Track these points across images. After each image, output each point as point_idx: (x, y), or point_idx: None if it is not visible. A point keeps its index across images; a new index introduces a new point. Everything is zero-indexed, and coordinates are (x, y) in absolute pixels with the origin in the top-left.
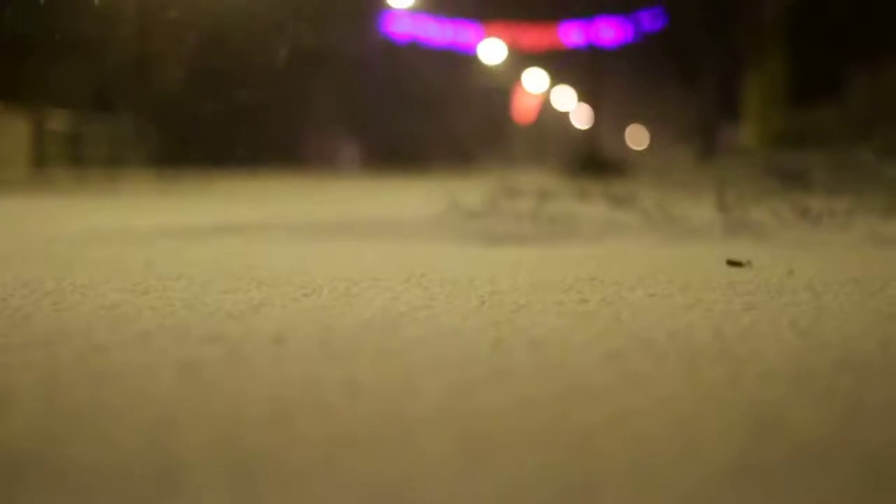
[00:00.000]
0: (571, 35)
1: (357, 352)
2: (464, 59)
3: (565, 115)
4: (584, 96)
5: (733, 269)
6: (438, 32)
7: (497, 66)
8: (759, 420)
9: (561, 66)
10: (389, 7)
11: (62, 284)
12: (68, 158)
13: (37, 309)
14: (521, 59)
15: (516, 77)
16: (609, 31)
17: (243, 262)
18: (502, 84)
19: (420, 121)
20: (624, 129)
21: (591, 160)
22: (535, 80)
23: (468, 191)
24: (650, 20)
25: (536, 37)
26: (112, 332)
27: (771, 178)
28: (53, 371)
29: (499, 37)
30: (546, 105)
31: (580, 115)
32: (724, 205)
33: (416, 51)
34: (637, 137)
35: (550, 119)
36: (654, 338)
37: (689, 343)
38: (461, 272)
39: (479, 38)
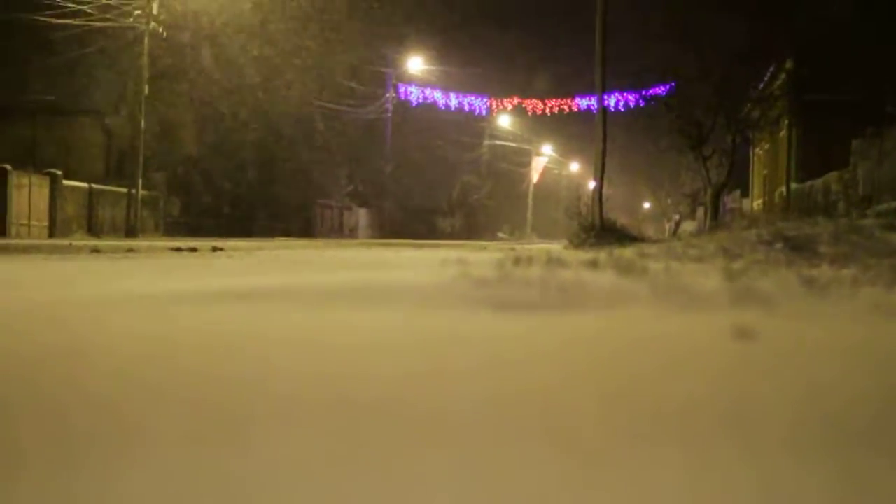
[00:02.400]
0: (581, 102)
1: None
2: (476, 128)
3: (575, 181)
4: (592, 163)
5: (739, 340)
6: (451, 101)
7: (509, 134)
8: None
9: (571, 134)
10: (403, 78)
11: (72, 351)
12: (86, 222)
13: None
14: (533, 126)
15: (528, 145)
16: (618, 100)
17: (252, 329)
18: (514, 152)
19: (431, 189)
20: (632, 195)
21: (601, 227)
22: (545, 149)
23: (479, 258)
24: (659, 90)
25: (547, 105)
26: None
27: (777, 246)
28: None
29: (511, 105)
30: (555, 172)
31: (589, 183)
32: (731, 273)
33: (429, 120)
34: (645, 203)
35: (560, 186)
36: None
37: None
38: (466, 340)
39: (492, 107)
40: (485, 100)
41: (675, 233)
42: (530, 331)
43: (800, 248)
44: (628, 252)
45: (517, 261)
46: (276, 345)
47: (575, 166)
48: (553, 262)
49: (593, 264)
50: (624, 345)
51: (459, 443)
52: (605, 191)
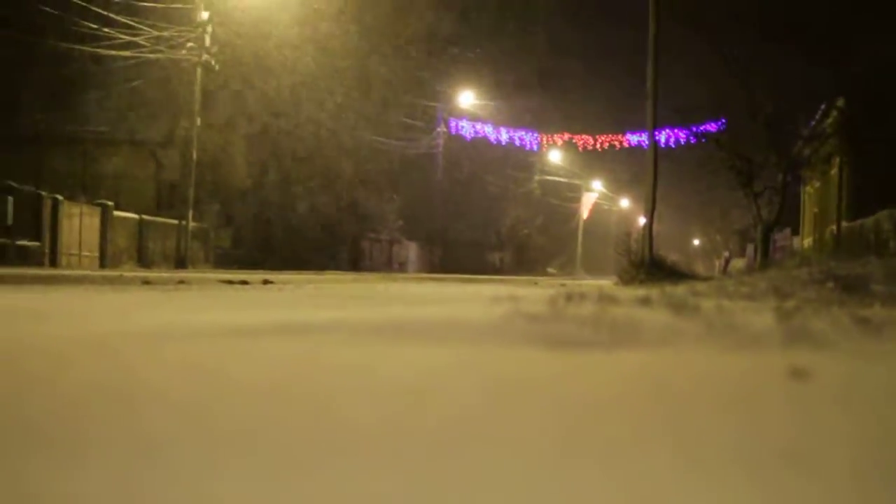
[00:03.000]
0: (632, 138)
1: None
2: (526, 163)
3: (624, 217)
4: (642, 199)
5: (794, 379)
6: (502, 136)
7: (559, 169)
8: None
9: (622, 169)
10: (454, 112)
11: (130, 385)
12: (136, 252)
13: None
14: (584, 161)
15: (578, 180)
16: (669, 136)
17: (305, 366)
18: (564, 187)
19: (482, 224)
20: (682, 232)
21: (652, 264)
22: (595, 185)
23: (530, 294)
24: (710, 126)
25: (598, 140)
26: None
27: (828, 285)
28: None
29: (561, 140)
30: (605, 208)
31: (639, 219)
32: (783, 312)
33: (479, 154)
34: (695, 240)
35: (610, 222)
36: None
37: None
38: (523, 380)
39: (542, 142)
40: (535, 135)
41: (725, 270)
42: (585, 370)
43: (852, 288)
44: (679, 289)
45: (569, 297)
46: (328, 381)
47: (625, 202)
48: (604, 298)
49: (645, 302)
50: (681, 386)
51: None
52: (655, 227)
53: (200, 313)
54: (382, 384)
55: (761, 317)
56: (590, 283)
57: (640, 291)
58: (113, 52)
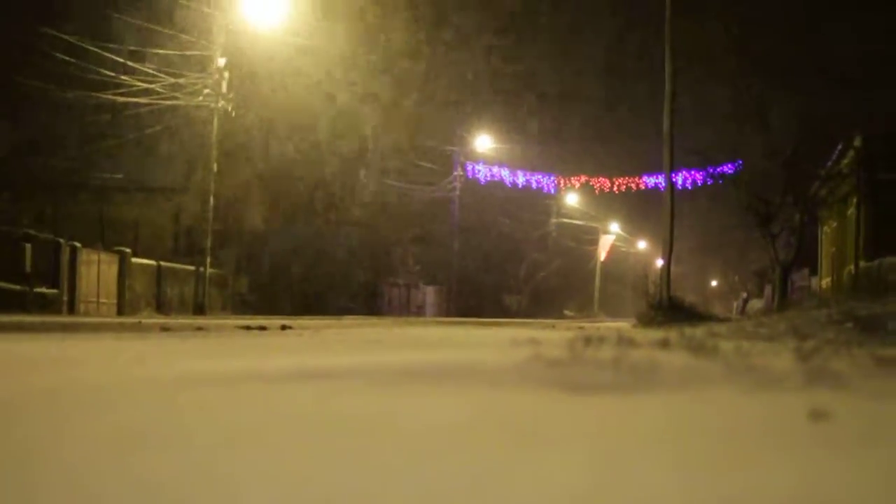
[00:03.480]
0: (649, 180)
1: None
2: (543, 206)
3: (642, 259)
4: (659, 241)
5: (815, 421)
6: (518, 179)
7: (576, 212)
8: None
9: (639, 211)
10: (471, 156)
11: (148, 431)
12: (154, 299)
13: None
14: (601, 204)
15: (595, 223)
16: (686, 177)
17: (324, 413)
18: (581, 230)
19: (498, 267)
20: (700, 273)
21: (670, 305)
22: (613, 227)
23: (548, 337)
24: (727, 167)
25: (615, 183)
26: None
27: (848, 326)
28: None
29: (578, 183)
30: (623, 250)
31: (657, 260)
32: (803, 353)
33: (496, 197)
34: (712, 281)
35: (627, 264)
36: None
37: None
38: (547, 426)
39: (559, 185)
40: (552, 178)
41: (742, 311)
42: (607, 414)
43: (871, 328)
44: (698, 331)
45: (588, 341)
46: (345, 429)
47: (642, 244)
48: (623, 341)
49: (664, 344)
50: (702, 428)
51: None
52: (672, 268)
53: (218, 360)
54: (402, 432)
55: (780, 358)
56: (608, 326)
57: (659, 333)
58: (130, 99)
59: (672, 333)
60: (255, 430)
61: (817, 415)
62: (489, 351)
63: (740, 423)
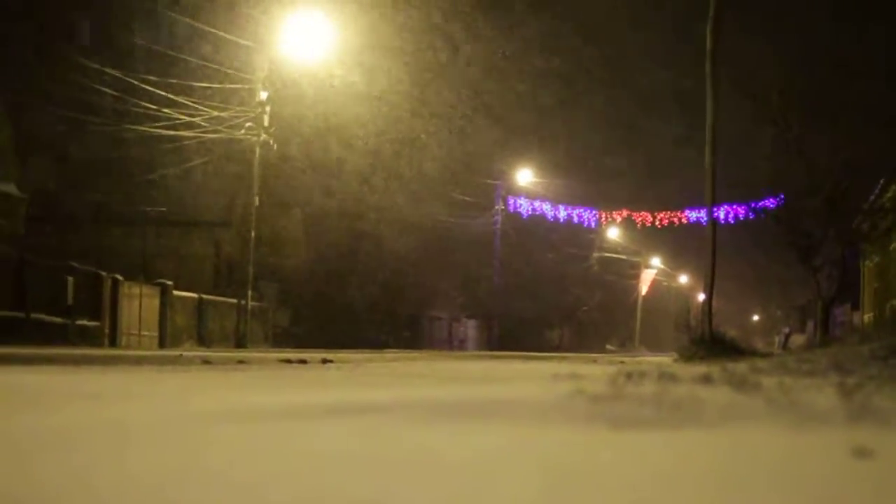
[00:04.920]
0: (691, 215)
1: None
2: (585, 240)
3: (683, 294)
4: (701, 275)
5: (859, 459)
6: (560, 213)
7: (618, 246)
8: None
9: (680, 245)
10: (513, 190)
11: (190, 467)
12: (195, 332)
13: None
14: (642, 238)
15: (637, 257)
16: (728, 212)
17: (367, 449)
18: (623, 263)
19: (540, 301)
20: (741, 307)
21: (712, 340)
22: (654, 262)
23: (590, 372)
24: (768, 202)
25: (657, 217)
26: None
27: (891, 362)
28: None
29: (620, 217)
30: (664, 284)
31: (698, 295)
32: (846, 389)
33: (538, 231)
34: (754, 316)
35: (669, 298)
36: None
37: None
38: (589, 463)
39: (601, 219)
40: (594, 212)
41: (784, 346)
42: (649, 450)
43: None
44: (740, 366)
45: (629, 375)
46: (386, 466)
47: (684, 278)
48: (665, 377)
49: (706, 379)
50: (745, 466)
51: None
52: (714, 303)
53: (260, 394)
54: (443, 468)
55: (823, 394)
56: (649, 360)
57: (701, 368)
58: (172, 133)
59: (714, 368)
60: (295, 468)
61: (861, 453)
62: (531, 385)
63: (783, 460)
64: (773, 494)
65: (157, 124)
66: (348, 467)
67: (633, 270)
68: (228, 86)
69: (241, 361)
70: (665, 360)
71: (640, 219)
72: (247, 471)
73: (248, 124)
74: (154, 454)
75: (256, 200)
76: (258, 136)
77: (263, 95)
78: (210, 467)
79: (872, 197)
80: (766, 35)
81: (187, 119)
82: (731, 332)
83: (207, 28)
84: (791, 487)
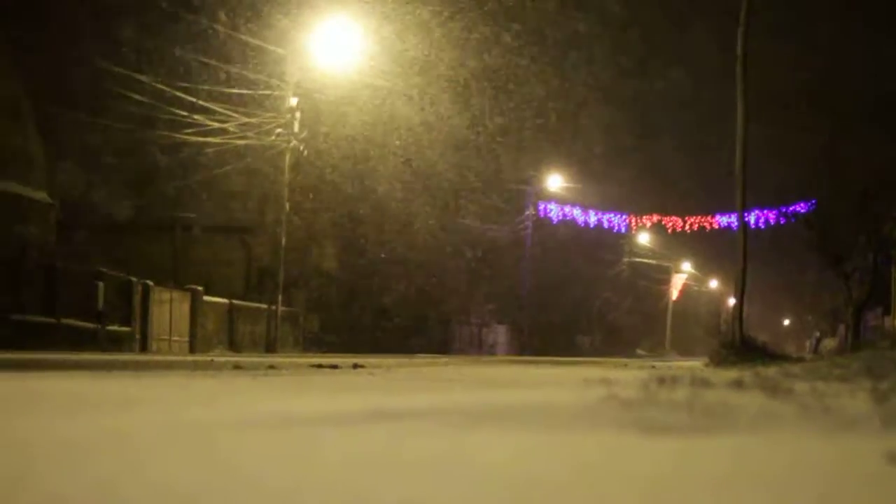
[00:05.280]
0: (722, 220)
1: None
2: (615, 245)
3: (714, 298)
4: (732, 280)
5: (892, 465)
6: (590, 218)
7: (648, 251)
8: None
9: (711, 250)
10: (543, 195)
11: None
12: (226, 337)
13: None
14: (673, 243)
15: (667, 262)
16: (759, 216)
17: (400, 455)
18: (653, 268)
19: (570, 305)
20: (772, 312)
21: (743, 344)
22: (685, 266)
23: (621, 377)
24: (800, 206)
25: (687, 222)
26: None
27: None
28: None
29: (650, 222)
30: (695, 289)
31: (729, 299)
32: (879, 394)
33: (568, 237)
34: (785, 320)
35: (699, 302)
36: None
37: None
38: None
39: (631, 224)
40: (624, 217)
41: (815, 350)
42: (682, 456)
43: None
44: (771, 371)
45: (661, 380)
46: (422, 470)
47: (714, 283)
48: (697, 381)
49: (738, 384)
50: (778, 471)
51: None
52: (745, 307)
53: (292, 399)
54: (478, 474)
55: (856, 399)
56: (680, 365)
57: (732, 373)
58: (203, 139)
59: (745, 373)
60: (329, 475)
61: (895, 458)
62: (563, 391)
63: (816, 466)
64: (808, 500)
65: (188, 131)
66: (384, 473)
67: (664, 275)
68: (259, 92)
69: (272, 367)
70: (696, 364)
71: (669, 224)
72: (281, 477)
73: (278, 130)
74: (188, 461)
75: (287, 206)
76: (288, 141)
77: (294, 101)
78: (245, 474)
79: None
80: (796, 38)
81: (218, 125)
82: (762, 337)
83: (238, 35)
84: (825, 493)
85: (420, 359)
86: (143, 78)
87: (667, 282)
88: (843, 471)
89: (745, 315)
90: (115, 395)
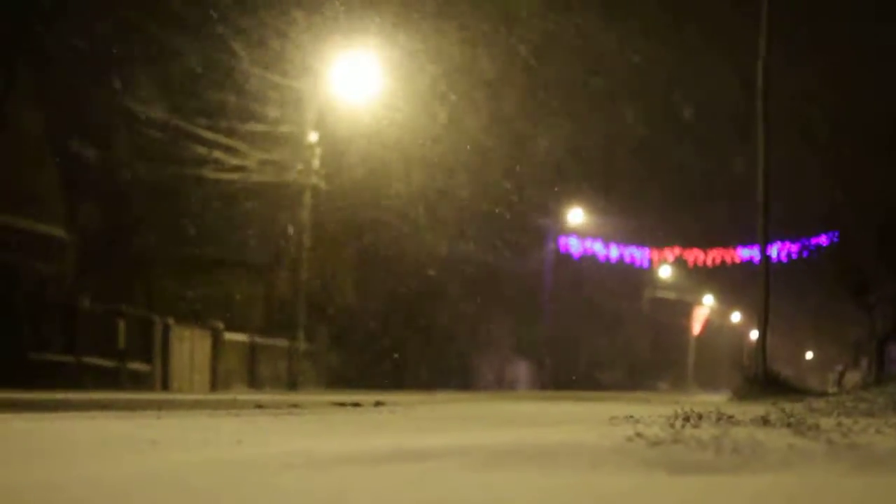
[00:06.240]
0: (743, 252)
1: None
2: (636, 279)
3: (736, 331)
4: (754, 313)
5: None
6: (612, 253)
7: (669, 284)
8: None
9: (733, 282)
10: (563, 229)
11: None
12: (247, 375)
13: None
14: (695, 276)
15: (689, 295)
16: (781, 249)
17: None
18: (675, 302)
19: (591, 340)
20: (794, 345)
21: (766, 379)
22: (706, 300)
23: (645, 413)
24: (822, 239)
25: (709, 255)
26: None
27: None
28: None
29: (672, 256)
30: (717, 325)
31: (751, 332)
32: None
33: (589, 271)
34: (807, 353)
35: (721, 336)
36: None
37: None
38: None
39: (653, 259)
40: (646, 251)
41: (838, 384)
42: (711, 497)
43: None
44: (797, 407)
45: (687, 418)
46: None
47: (737, 316)
48: (723, 418)
49: (764, 421)
50: None
51: None
52: (767, 341)
53: (315, 439)
54: None
55: (883, 435)
56: (704, 400)
57: (758, 409)
58: (222, 176)
59: (771, 409)
60: None
61: None
62: (587, 428)
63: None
64: None
65: (206, 168)
66: None
67: (685, 309)
68: (278, 130)
69: (294, 405)
70: (719, 399)
71: (691, 257)
72: None
73: (298, 167)
74: (215, 502)
75: (307, 241)
76: (308, 178)
77: (313, 137)
78: None
79: None
80: (816, 64)
81: (238, 163)
82: (785, 371)
83: (257, 69)
84: None
85: (441, 395)
86: (163, 114)
87: (688, 315)
88: None
89: (767, 348)
90: (140, 435)
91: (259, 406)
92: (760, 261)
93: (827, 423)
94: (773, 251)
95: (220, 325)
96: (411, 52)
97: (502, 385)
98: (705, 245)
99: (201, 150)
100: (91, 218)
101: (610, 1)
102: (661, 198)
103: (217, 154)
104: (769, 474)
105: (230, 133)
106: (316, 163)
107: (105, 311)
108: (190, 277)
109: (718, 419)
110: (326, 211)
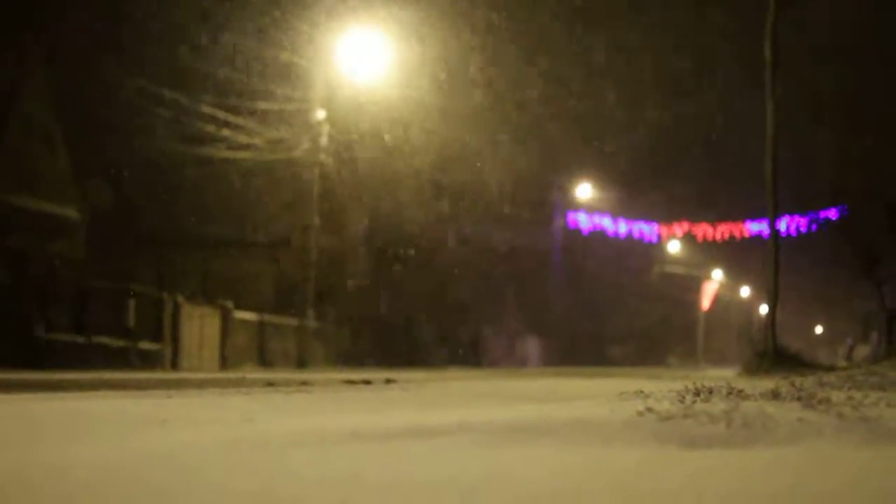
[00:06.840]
0: (752, 227)
1: None
2: (645, 254)
3: (745, 306)
4: (763, 287)
5: None
6: (620, 228)
7: (678, 259)
8: None
9: (742, 257)
10: (572, 205)
11: (264, 495)
12: (256, 353)
13: None
14: (703, 251)
15: (698, 270)
16: (789, 223)
17: (440, 474)
18: (684, 277)
19: (601, 316)
20: (804, 319)
21: (774, 353)
22: (715, 274)
23: (655, 389)
24: (831, 213)
25: (718, 230)
26: None
27: None
28: None
29: (681, 231)
30: (726, 300)
31: (760, 307)
32: None
33: (597, 247)
34: (817, 327)
35: (730, 311)
36: None
37: None
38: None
39: (662, 234)
40: (654, 226)
41: (848, 357)
42: (722, 469)
43: None
44: (807, 381)
45: (697, 392)
46: (458, 492)
47: (746, 291)
48: (733, 392)
49: (774, 395)
50: (818, 483)
51: None
52: (777, 315)
53: (326, 416)
54: (517, 494)
55: (894, 408)
56: (713, 375)
57: (767, 383)
58: (230, 154)
59: (781, 383)
60: (372, 496)
61: None
62: (598, 404)
63: (857, 478)
64: None
65: (215, 146)
66: (419, 493)
67: (694, 284)
68: (286, 107)
69: (304, 383)
70: (729, 374)
71: (700, 232)
72: (319, 498)
73: (305, 145)
74: (227, 482)
75: (316, 220)
76: (316, 155)
77: (321, 115)
78: (284, 495)
79: None
80: (826, 37)
81: (246, 141)
82: (795, 345)
83: (264, 47)
84: None
85: (451, 372)
86: (171, 93)
87: (697, 290)
88: (884, 482)
89: (777, 322)
90: (151, 415)
91: (269, 384)
92: (769, 235)
93: (837, 396)
94: (782, 225)
95: (230, 304)
96: (419, 28)
97: (513, 362)
98: (714, 219)
99: (210, 128)
100: (101, 198)
101: None
102: (669, 173)
103: (226, 132)
104: (780, 447)
105: (238, 111)
106: (324, 140)
107: (115, 290)
108: (199, 256)
109: (728, 393)
110: (335, 188)
